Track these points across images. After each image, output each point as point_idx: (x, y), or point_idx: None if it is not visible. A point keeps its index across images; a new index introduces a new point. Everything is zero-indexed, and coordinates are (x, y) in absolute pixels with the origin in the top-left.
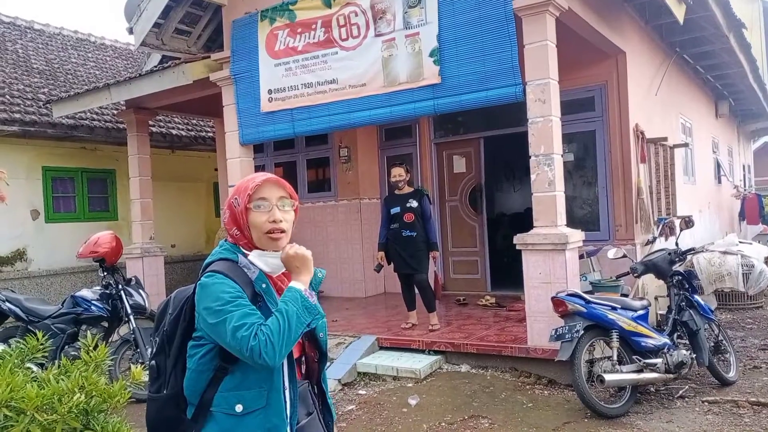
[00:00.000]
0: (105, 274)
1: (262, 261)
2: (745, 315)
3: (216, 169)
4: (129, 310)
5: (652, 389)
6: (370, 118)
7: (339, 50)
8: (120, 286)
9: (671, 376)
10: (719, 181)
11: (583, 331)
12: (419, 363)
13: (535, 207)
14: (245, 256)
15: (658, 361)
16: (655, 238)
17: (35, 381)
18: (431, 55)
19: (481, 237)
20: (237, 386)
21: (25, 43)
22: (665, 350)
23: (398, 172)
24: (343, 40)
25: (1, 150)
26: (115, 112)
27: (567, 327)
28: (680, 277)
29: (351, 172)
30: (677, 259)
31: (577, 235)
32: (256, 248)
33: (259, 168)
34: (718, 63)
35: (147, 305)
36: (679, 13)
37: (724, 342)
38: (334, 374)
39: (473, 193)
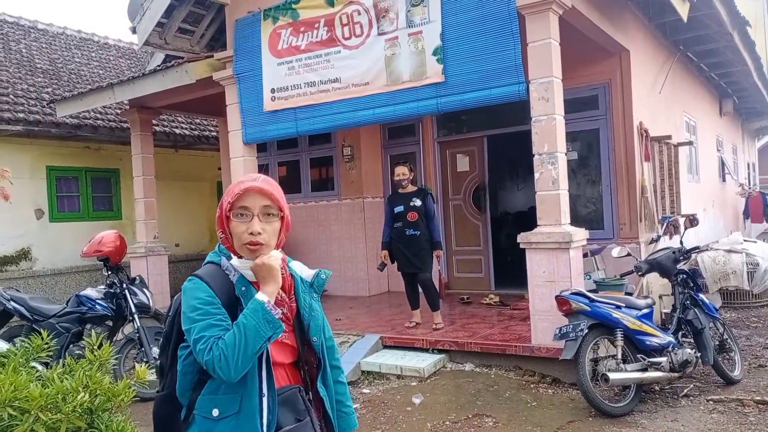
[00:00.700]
0: (109, 273)
1: (243, 266)
2: (749, 313)
3: (219, 168)
4: (133, 309)
5: (656, 388)
6: (373, 116)
7: (342, 49)
8: (124, 285)
9: (676, 374)
10: (723, 180)
11: (587, 330)
12: (423, 362)
13: (538, 206)
14: (229, 258)
15: (663, 359)
16: (659, 237)
17: (39, 380)
18: (434, 53)
19: (484, 236)
20: (215, 390)
21: (29, 42)
22: (670, 349)
23: (402, 171)
24: (346, 38)
25: (5, 149)
26: (119, 111)
27: (571, 326)
28: (685, 276)
29: (354, 170)
30: (681, 257)
31: (581, 234)
32: (238, 255)
33: (262, 167)
34: (722, 61)
35: (151, 304)
36: (683, 10)
37: (728, 341)
38: None
39: (477, 191)
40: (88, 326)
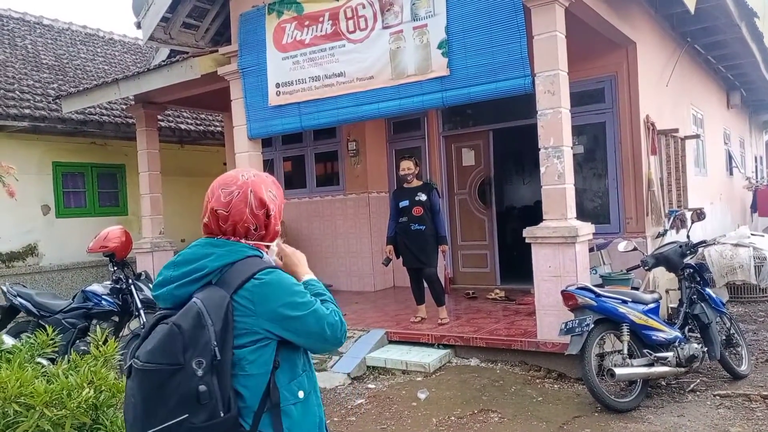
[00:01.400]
0: (115, 268)
1: (272, 259)
2: (757, 308)
3: (225, 164)
4: (139, 305)
5: (663, 383)
6: (378, 111)
7: (346, 43)
8: (130, 281)
9: (682, 369)
10: (731, 173)
11: (593, 325)
12: (428, 357)
13: (544, 200)
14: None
15: (669, 354)
16: (666, 231)
17: (45, 376)
18: (439, 47)
19: (490, 230)
20: (291, 376)
21: (35, 38)
22: (676, 344)
23: (407, 166)
24: (351, 32)
25: (11, 146)
26: (124, 107)
27: (577, 321)
28: (691, 270)
29: (359, 165)
30: (688, 251)
31: (587, 228)
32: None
33: (267, 162)
34: (729, 53)
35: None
36: (690, 2)
37: (735, 335)
38: (343, 368)
39: (482, 186)
40: (94, 322)
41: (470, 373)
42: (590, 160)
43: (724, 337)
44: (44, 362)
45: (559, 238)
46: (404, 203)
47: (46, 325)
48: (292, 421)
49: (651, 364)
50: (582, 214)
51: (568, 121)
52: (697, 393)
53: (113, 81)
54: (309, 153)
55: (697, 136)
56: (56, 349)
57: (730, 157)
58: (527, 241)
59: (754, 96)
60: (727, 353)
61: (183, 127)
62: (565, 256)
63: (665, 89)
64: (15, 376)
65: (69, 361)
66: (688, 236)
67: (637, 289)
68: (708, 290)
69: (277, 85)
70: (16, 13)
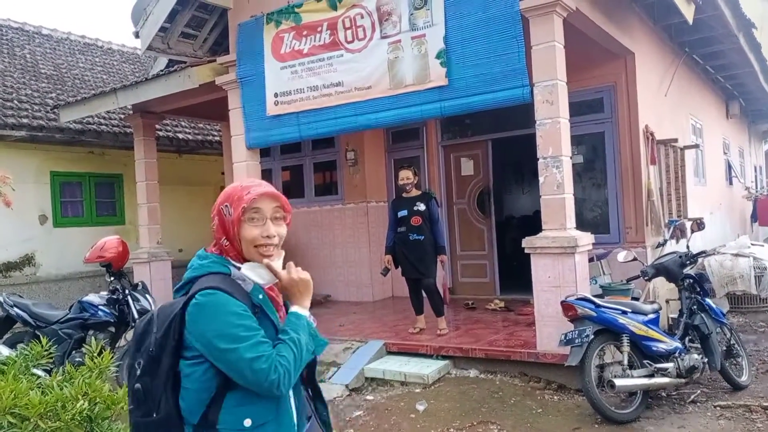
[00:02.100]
0: (112, 279)
1: (255, 274)
2: (757, 318)
3: (223, 173)
4: (136, 315)
5: (663, 394)
6: (377, 120)
7: (345, 53)
8: (127, 291)
9: (683, 380)
10: (730, 183)
11: (593, 336)
12: (427, 368)
13: (543, 209)
14: (236, 268)
15: (670, 365)
16: (665, 241)
17: (40, 387)
18: (438, 56)
19: (489, 240)
20: (242, 401)
21: (33, 48)
22: (676, 354)
23: (406, 175)
24: (349, 42)
25: (9, 155)
26: (123, 116)
27: (577, 331)
28: (691, 280)
29: (358, 175)
30: (688, 261)
31: (586, 238)
32: (245, 260)
33: (265, 172)
34: (728, 63)
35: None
36: (688, 13)
37: (736, 346)
38: (341, 379)
39: (481, 195)
40: (91, 332)
41: (469, 384)
42: (589, 170)
43: (724, 348)
44: (40, 373)
45: (559, 248)
46: (403, 213)
47: (42, 336)
48: None
49: (651, 375)
50: (581, 224)
51: (566, 130)
52: (698, 404)
53: (111, 90)
54: (307, 162)
55: (696, 146)
56: (52, 359)
57: (729, 167)
58: (526, 251)
59: (753, 106)
60: (727, 364)
61: (181, 136)
62: (564, 266)
63: (664, 99)
64: (9, 387)
65: (64, 372)
66: (687, 246)
67: (637, 299)
68: (708, 300)
69: (276, 95)
70: (15, 22)
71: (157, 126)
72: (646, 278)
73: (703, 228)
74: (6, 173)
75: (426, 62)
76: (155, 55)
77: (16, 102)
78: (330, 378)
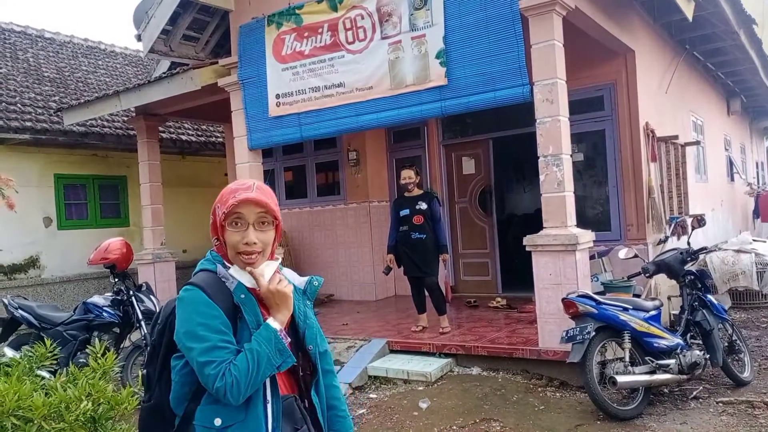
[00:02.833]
0: (116, 280)
1: (243, 276)
2: (759, 314)
3: (226, 174)
4: (140, 316)
5: (665, 390)
6: (378, 121)
7: (345, 53)
8: (131, 293)
9: (685, 377)
10: (732, 179)
11: (594, 333)
12: (430, 366)
13: (544, 208)
14: (226, 267)
15: (671, 362)
16: (667, 238)
17: (44, 389)
18: (438, 56)
19: (491, 238)
20: (216, 400)
21: (36, 51)
22: (678, 351)
23: (408, 175)
24: (350, 43)
25: (13, 158)
26: (126, 119)
27: (578, 328)
28: (693, 277)
29: (360, 175)
30: (689, 258)
31: (587, 236)
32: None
33: (267, 173)
34: (728, 60)
35: (158, 311)
36: (688, 10)
37: (738, 342)
38: (345, 378)
39: (483, 194)
40: (96, 334)
41: (472, 382)
42: (590, 168)
43: (726, 344)
44: (44, 375)
45: (560, 246)
46: (405, 212)
47: (47, 338)
48: None
49: (653, 372)
50: (582, 222)
51: (567, 129)
52: (700, 400)
53: (114, 93)
54: (310, 163)
55: (697, 143)
56: (56, 361)
57: (731, 164)
58: (528, 249)
59: (754, 102)
60: (729, 360)
61: (184, 138)
62: (565, 263)
63: (665, 96)
64: (13, 389)
65: (68, 373)
66: (689, 243)
67: (638, 296)
68: (709, 297)
69: (277, 96)
70: (18, 26)
71: (160, 128)
72: (647, 275)
73: (704, 225)
74: (9, 176)
75: (426, 62)
76: (158, 57)
77: (19, 105)
78: None
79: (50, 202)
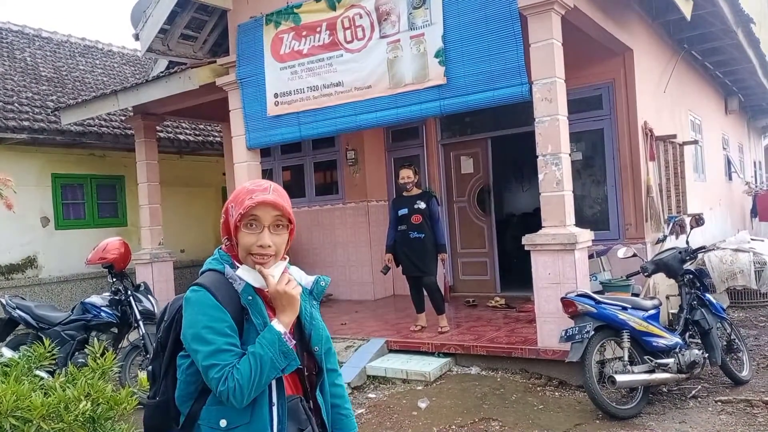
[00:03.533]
0: (114, 280)
1: (251, 276)
2: (757, 313)
3: (224, 174)
4: (138, 316)
5: (664, 389)
6: (376, 120)
7: (344, 53)
8: (129, 292)
9: (683, 376)
10: (730, 178)
11: (593, 332)
12: (429, 366)
13: (543, 207)
14: (234, 267)
15: (670, 361)
16: (665, 237)
17: (42, 389)
18: (436, 55)
19: (489, 238)
20: (220, 401)
21: (34, 51)
22: (677, 350)
23: (407, 174)
24: (348, 42)
25: (10, 157)
26: (123, 118)
27: (577, 328)
28: (691, 276)
29: (358, 174)
30: (688, 257)
31: (586, 235)
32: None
33: (266, 172)
34: (726, 59)
35: (156, 311)
36: (686, 9)
37: (736, 341)
38: (343, 378)
39: (481, 193)
40: (94, 334)
41: (471, 381)
42: (589, 167)
43: (724, 343)
44: (43, 375)
45: (559, 245)
46: (403, 211)
47: (45, 338)
48: None
49: (652, 371)
50: (581, 221)
51: (565, 128)
52: (699, 399)
53: (112, 92)
54: (308, 162)
55: (695, 142)
56: (54, 361)
57: (729, 163)
58: (526, 248)
59: (752, 101)
60: (728, 359)
61: (182, 137)
62: (564, 263)
63: (663, 95)
64: (12, 389)
65: (67, 373)
66: (687, 242)
67: (637, 295)
68: (708, 296)
69: (276, 95)
70: (15, 25)
71: (158, 127)
72: (645, 274)
73: (703, 224)
74: (7, 176)
75: (425, 61)
76: (155, 57)
77: (16, 105)
78: None
79: (48, 202)
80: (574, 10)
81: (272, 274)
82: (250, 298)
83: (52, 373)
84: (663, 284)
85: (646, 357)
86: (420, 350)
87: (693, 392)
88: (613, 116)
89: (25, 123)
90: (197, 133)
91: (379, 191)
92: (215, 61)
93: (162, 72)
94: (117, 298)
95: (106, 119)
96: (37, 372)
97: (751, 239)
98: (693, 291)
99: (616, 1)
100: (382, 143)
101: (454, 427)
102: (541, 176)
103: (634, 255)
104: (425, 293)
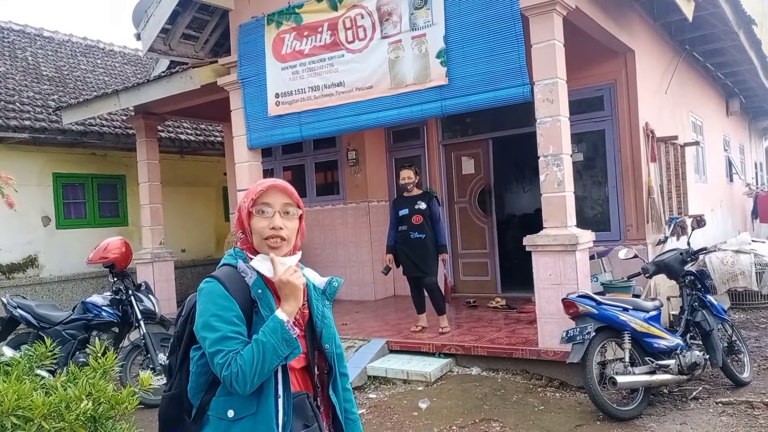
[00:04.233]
0: (115, 279)
1: (263, 266)
2: (758, 314)
3: (225, 174)
4: (139, 316)
5: (665, 391)
6: (377, 120)
7: (345, 53)
8: (130, 292)
9: (684, 377)
10: (731, 180)
11: (594, 333)
12: (429, 366)
13: (544, 208)
14: (247, 261)
15: (671, 362)
16: (666, 238)
17: (43, 388)
18: (438, 56)
19: (490, 238)
20: (230, 392)
21: (35, 50)
22: (678, 351)
23: (408, 174)
24: (350, 42)
25: (12, 157)
26: (125, 118)
27: (578, 329)
28: (692, 277)
29: (359, 174)
30: (689, 258)
31: (587, 236)
32: (258, 253)
33: (267, 172)
34: (728, 60)
35: (157, 310)
36: (688, 10)
37: (737, 342)
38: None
39: (482, 194)
40: (95, 333)
41: (471, 382)
42: (590, 168)
43: (725, 344)
44: (44, 374)
45: (560, 246)
46: (404, 212)
47: (46, 337)
48: None
49: (653, 372)
50: (582, 222)
51: (567, 129)
52: (700, 401)
53: (113, 92)
54: (309, 162)
55: (696, 143)
56: (56, 360)
57: (730, 164)
58: (527, 249)
59: (753, 103)
60: (729, 360)
61: (183, 137)
62: (565, 263)
63: (664, 96)
64: (13, 388)
65: (68, 373)
66: (688, 243)
67: (638, 296)
68: (709, 297)
69: (277, 95)
70: (16, 25)
71: (159, 127)
72: (647, 275)
73: (704, 225)
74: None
75: (426, 62)
76: (157, 56)
77: (18, 104)
78: None
79: (49, 201)
80: (575, 10)
81: (283, 262)
82: (260, 291)
83: (53, 373)
84: (664, 285)
85: (647, 358)
86: (421, 351)
87: (694, 394)
88: (615, 117)
89: (27, 122)
90: (198, 132)
91: (380, 191)
92: (217, 61)
93: (163, 72)
94: (118, 297)
95: (108, 119)
96: (38, 371)
97: (752, 241)
98: (694, 292)
99: (617, 1)
100: (383, 143)
101: (454, 427)
102: (542, 177)
103: (635, 256)
104: (426, 294)
